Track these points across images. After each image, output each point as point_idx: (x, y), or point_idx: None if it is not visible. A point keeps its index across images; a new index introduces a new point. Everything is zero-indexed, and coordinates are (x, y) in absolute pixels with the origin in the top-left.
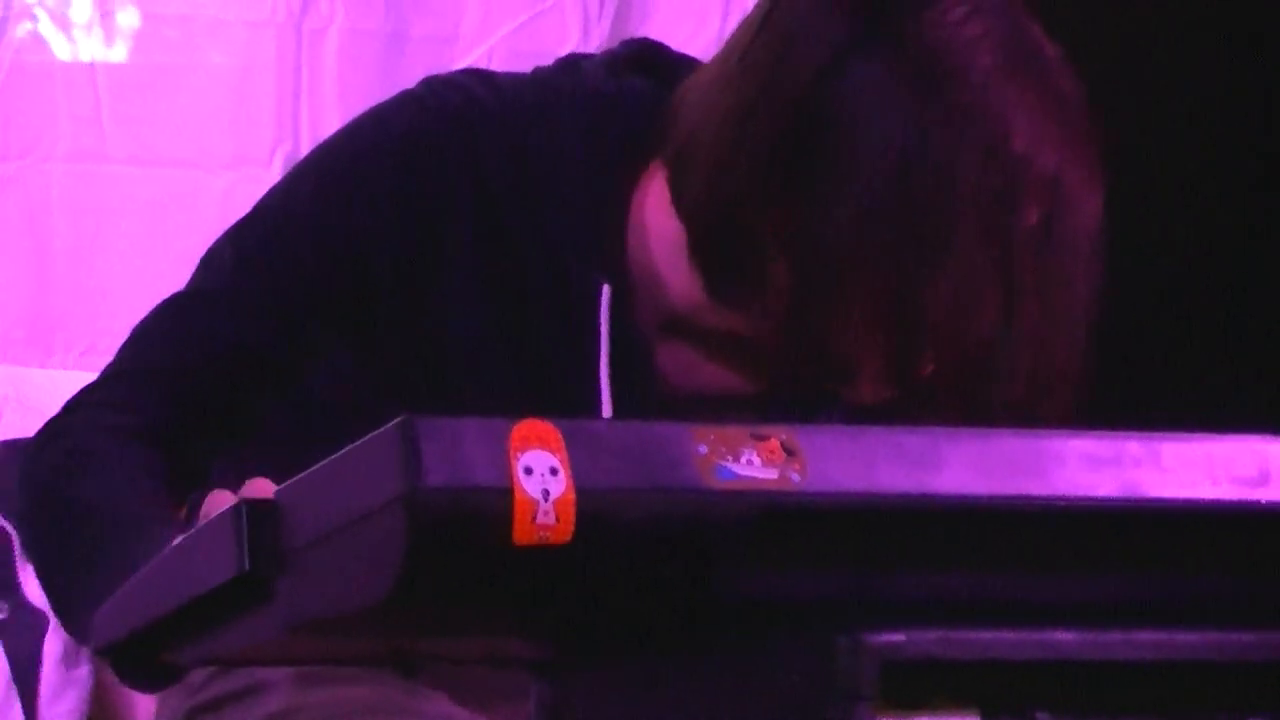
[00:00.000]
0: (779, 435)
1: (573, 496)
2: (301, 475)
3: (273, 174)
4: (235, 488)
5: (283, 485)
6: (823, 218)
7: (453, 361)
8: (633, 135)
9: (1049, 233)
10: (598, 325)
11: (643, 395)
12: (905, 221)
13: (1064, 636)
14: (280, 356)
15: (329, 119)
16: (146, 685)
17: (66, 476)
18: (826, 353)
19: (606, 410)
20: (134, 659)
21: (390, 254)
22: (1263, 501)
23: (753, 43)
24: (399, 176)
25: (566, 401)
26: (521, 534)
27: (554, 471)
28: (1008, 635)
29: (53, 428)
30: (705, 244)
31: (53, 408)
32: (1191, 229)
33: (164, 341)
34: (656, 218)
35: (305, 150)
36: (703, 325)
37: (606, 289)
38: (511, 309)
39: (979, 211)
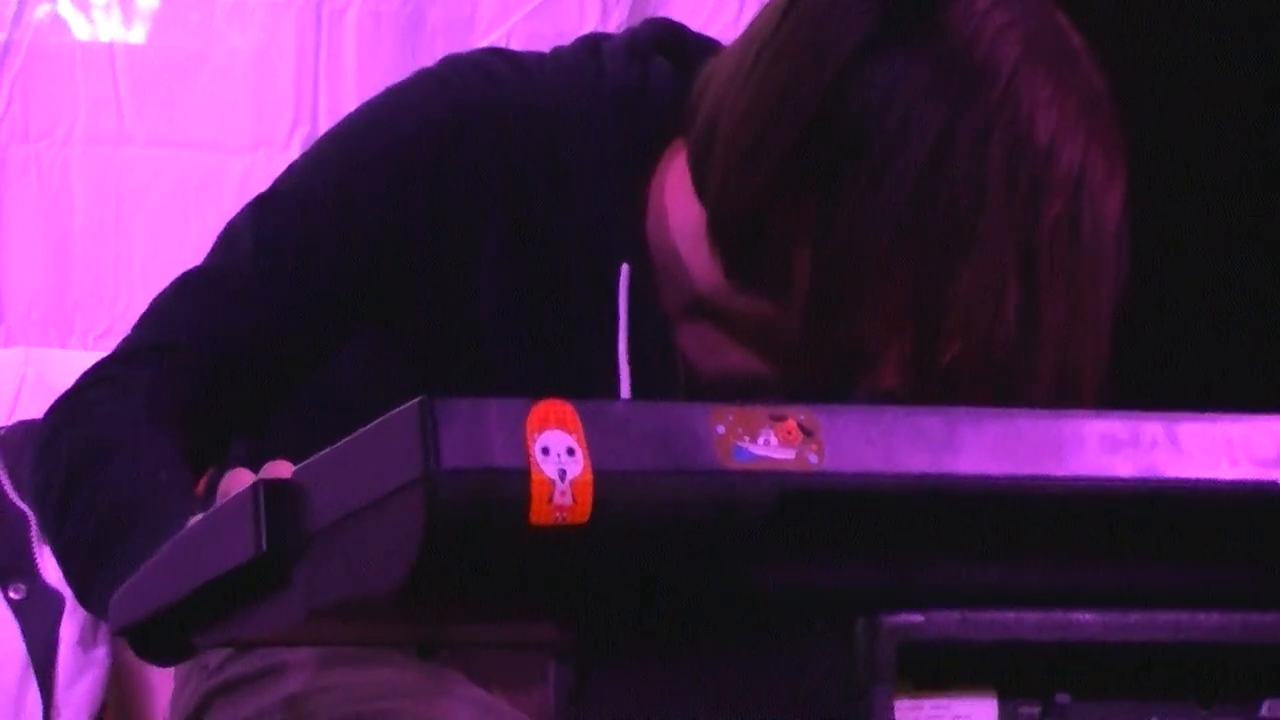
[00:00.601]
0: (797, 415)
1: (590, 477)
2: (319, 456)
3: (291, 156)
4: (255, 469)
5: (300, 465)
6: (853, 210)
7: (478, 345)
8: (657, 121)
9: (1072, 226)
10: (617, 305)
11: (663, 377)
12: (934, 215)
13: (1083, 618)
14: (302, 340)
15: (347, 101)
16: (163, 660)
17: (88, 459)
18: (848, 340)
19: (625, 391)
20: (152, 636)
21: (418, 239)
22: None
23: (777, 30)
24: (428, 162)
25: (587, 383)
26: (539, 514)
27: (571, 452)
28: (1027, 617)
29: (70, 407)
30: (727, 230)
31: None
32: (1207, 217)
33: (184, 320)
34: (677, 200)
35: (323, 132)
36: (723, 307)
37: (625, 268)
38: (536, 292)
39: (1005, 205)
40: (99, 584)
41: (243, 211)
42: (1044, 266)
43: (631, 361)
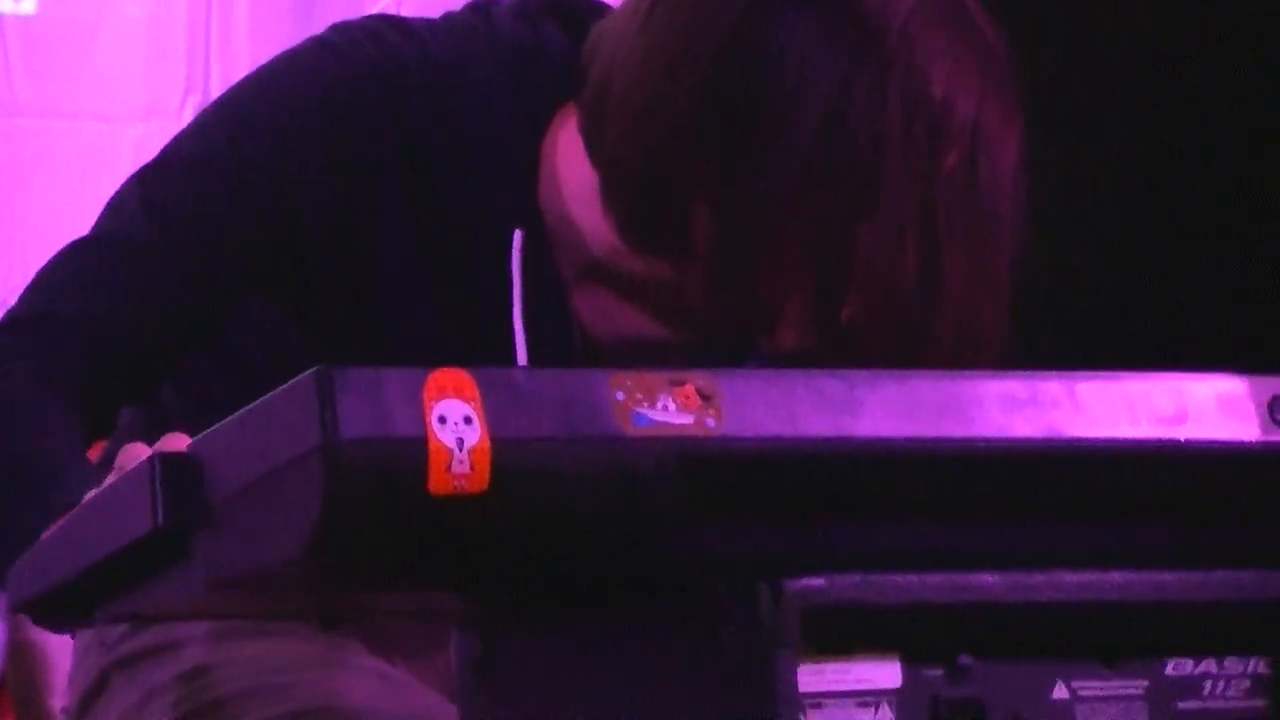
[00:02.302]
0: (695, 381)
1: (487, 445)
2: (216, 428)
3: (184, 124)
4: (151, 440)
5: (197, 438)
6: (754, 167)
7: (376, 313)
8: (549, 83)
9: (970, 178)
10: (511, 272)
11: (560, 344)
12: (833, 168)
13: (986, 579)
14: (195, 308)
15: (240, 69)
16: (61, 627)
17: None
18: (749, 298)
19: (522, 359)
20: (51, 608)
21: (317, 208)
22: (1182, 440)
23: None
24: (321, 128)
25: (485, 351)
26: (437, 484)
27: (468, 420)
28: (929, 579)
29: None
30: (621, 191)
31: None
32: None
33: (71, 288)
34: (568, 163)
35: None
36: (619, 270)
37: (519, 235)
38: (433, 260)
39: (902, 157)
40: (3, 549)
41: (130, 180)
42: (942, 218)
43: (527, 329)
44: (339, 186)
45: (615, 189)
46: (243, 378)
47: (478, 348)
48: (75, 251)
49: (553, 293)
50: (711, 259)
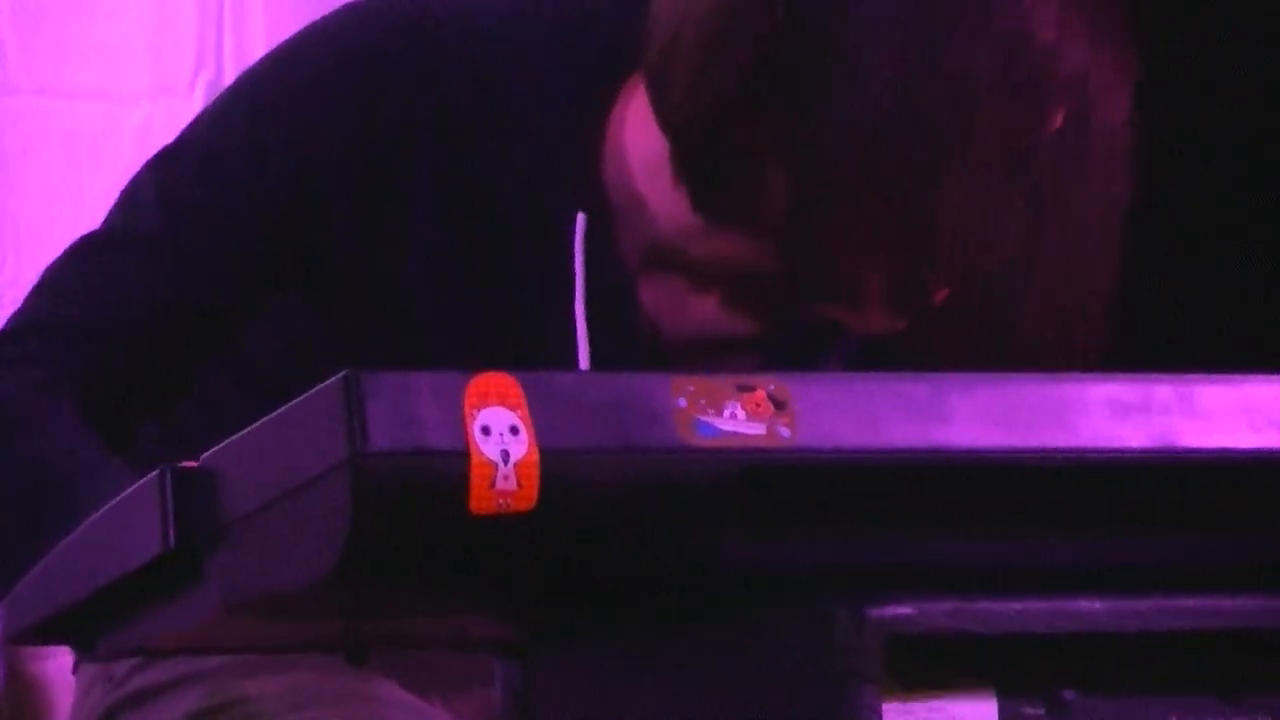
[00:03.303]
0: (766, 386)
1: (536, 458)
2: (235, 438)
3: (194, 105)
4: (167, 454)
5: (214, 449)
6: (823, 123)
7: (411, 309)
8: (608, 51)
9: (1077, 135)
10: (571, 260)
11: (624, 339)
12: (915, 125)
13: (1091, 606)
14: (213, 308)
15: (255, 43)
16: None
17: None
18: (828, 272)
19: (584, 356)
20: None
21: (339, 192)
22: None
23: None
24: (346, 107)
25: (539, 350)
26: (479, 502)
27: (514, 431)
28: (1028, 605)
29: None
30: (691, 156)
31: None
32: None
33: (82, 290)
34: (637, 135)
35: (230, 78)
36: (691, 253)
37: (581, 219)
38: (474, 248)
39: (998, 113)
40: (12, 569)
41: (145, 168)
42: (1044, 181)
43: (589, 324)
44: (363, 169)
45: (685, 154)
46: (262, 386)
47: (530, 347)
48: (84, 249)
49: (617, 283)
50: (782, 227)
